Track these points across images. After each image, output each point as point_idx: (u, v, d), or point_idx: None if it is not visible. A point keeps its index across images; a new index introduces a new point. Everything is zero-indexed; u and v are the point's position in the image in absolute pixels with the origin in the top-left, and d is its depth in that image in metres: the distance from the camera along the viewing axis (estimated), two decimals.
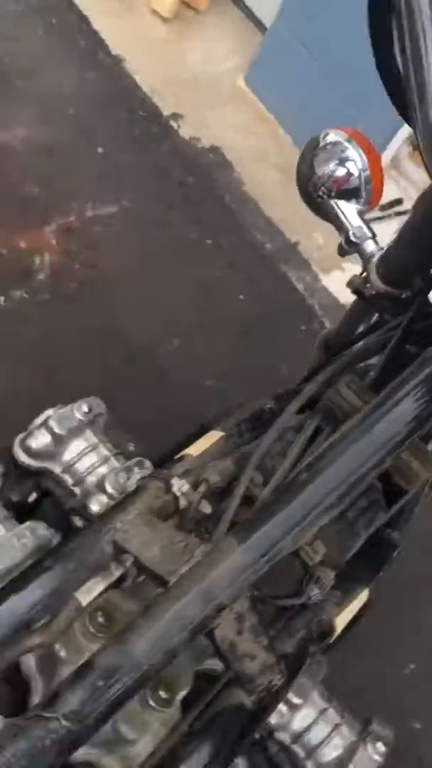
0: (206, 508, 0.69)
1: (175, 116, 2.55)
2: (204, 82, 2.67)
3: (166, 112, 2.55)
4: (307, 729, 0.76)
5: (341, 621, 0.71)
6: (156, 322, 2.04)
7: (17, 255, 2.02)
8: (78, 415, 0.82)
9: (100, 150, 2.36)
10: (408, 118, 0.64)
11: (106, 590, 0.64)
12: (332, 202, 0.88)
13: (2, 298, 1.92)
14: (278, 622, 0.67)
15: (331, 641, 0.70)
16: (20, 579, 0.59)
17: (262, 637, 0.59)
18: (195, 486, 0.68)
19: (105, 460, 0.83)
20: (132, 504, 0.64)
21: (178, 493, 0.67)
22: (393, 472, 0.71)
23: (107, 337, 1.95)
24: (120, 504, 0.65)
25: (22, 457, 0.82)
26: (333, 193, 0.88)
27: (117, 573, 0.64)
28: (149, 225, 2.27)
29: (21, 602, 0.57)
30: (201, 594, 0.55)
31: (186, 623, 0.55)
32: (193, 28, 2.80)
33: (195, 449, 0.74)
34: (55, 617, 0.60)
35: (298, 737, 0.76)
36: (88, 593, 0.62)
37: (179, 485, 0.68)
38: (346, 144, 0.87)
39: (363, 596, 0.75)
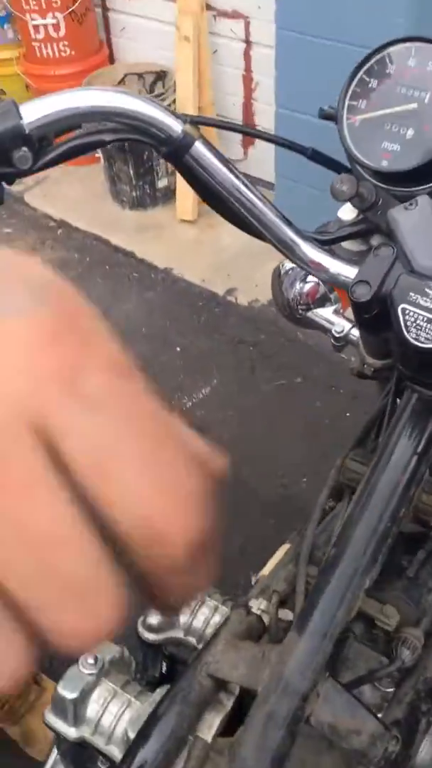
0: (288, 615, 0.75)
1: (230, 291, 2.82)
2: (241, 254, 2.95)
3: (221, 292, 2.82)
4: None
5: None
6: (282, 467, 2.15)
7: None
8: None
9: (178, 349, 2.63)
10: None
11: (226, 723, 0.70)
12: (310, 314, 1.00)
13: None
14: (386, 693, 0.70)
15: None
16: (141, 734, 0.67)
17: (361, 710, 0.63)
18: (270, 600, 0.75)
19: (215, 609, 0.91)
20: (219, 635, 0.72)
21: (258, 612, 0.74)
22: (420, 517, 0.74)
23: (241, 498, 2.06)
24: (211, 639, 0.73)
25: (147, 635, 0.92)
26: (310, 306, 1.00)
27: (229, 703, 0.71)
28: (241, 390, 2.45)
29: (147, 755, 0.65)
30: (282, 690, 0.61)
31: (280, 722, 0.61)
32: (216, 216, 3.14)
33: (268, 567, 0.81)
34: (188, 760, 0.67)
35: None
36: (209, 730, 0.69)
37: (257, 604, 0.75)
38: None
39: None
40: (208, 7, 3.05)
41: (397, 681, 0.71)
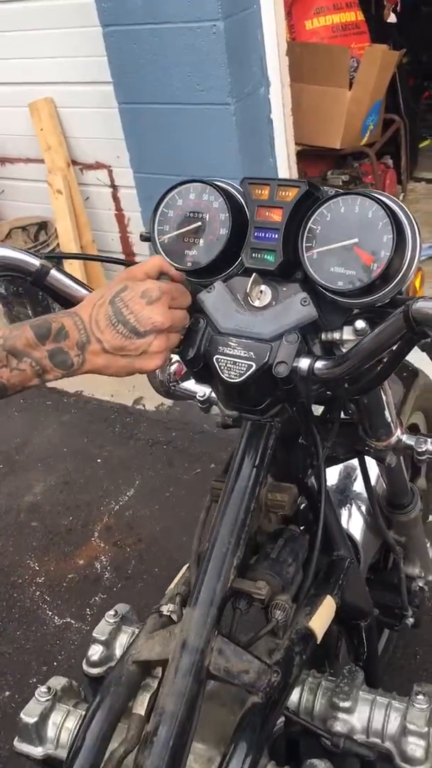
0: None
1: (137, 401, 3.09)
2: None
3: (129, 403, 3.08)
4: (369, 720, 0.96)
5: (318, 625, 0.93)
6: None
7: (82, 570, 2.39)
8: None
9: (99, 460, 2.84)
10: None
11: None
12: (179, 387, 1.26)
13: (87, 610, 2.25)
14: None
15: (318, 641, 0.92)
16: (85, 717, 0.85)
17: (247, 656, 0.84)
18: (175, 602, 0.95)
19: None
20: (139, 636, 0.92)
21: (168, 613, 0.94)
22: (270, 510, 0.98)
23: None
24: (133, 640, 0.93)
25: (90, 669, 1.10)
26: (178, 381, 1.26)
27: (155, 683, 0.89)
28: (163, 484, 2.67)
29: (93, 731, 0.83)
30: (184, 649, 0.82)
31: (186, 673, 0.81)
32: None
33: (174, 582, 1.02)
34: (128, 731, 0.85)
35: (367, 731, 0.96)
36: (142, 706, 0.87)
37: (167, 608, 0.95)
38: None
39: (331, 604, 0.98)
40: (74, 163, 3.48)
41: (278, 634, 0.92)
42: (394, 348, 0.80)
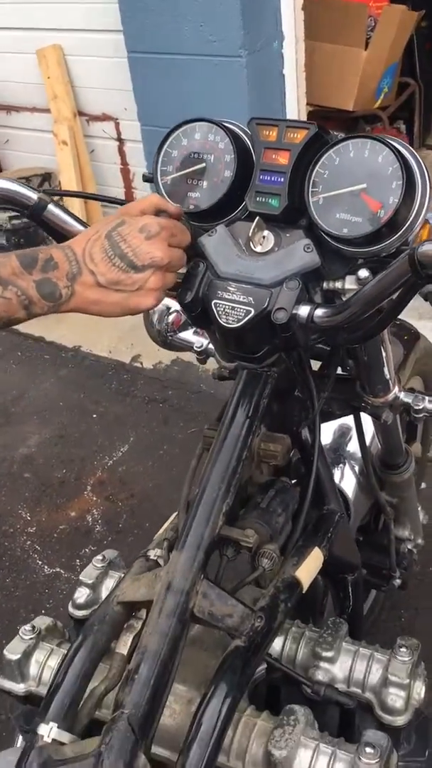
0: None
1: (135, 358, 3.07)
2: (140, 324, 3.20)
3: (127, 360, 3.07)
4: (351, 670, 0.96)
5: (305, 575, 0.93)
6: None
7: (74, 522, 2.40)
8: None
9: (94, 416, 2.84)
10: None
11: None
12: (176, 338, 1.24)
13: (77, 561, 2.26)
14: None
15: (303, 591, 0.92)
16: (67, 655, 0.85)
17: (232, 600, 0.84)
18: (163, 547, 0.95)
19: None
20: (125, 578, 0.92)
21: (155, 558, 0.95)
22: (263, 460, 0.97)
23: None
24: (119, 582, 0.93)
25: (75, 612, 1.10)
26: (176, 332, 1.25)
27: (138, 624, 0.90)
28: (157, 442, 2.67)
29: (75, 668, 0.84)
30: (169, 591, 0.82)
31: (170, 613, 0.81)
32: None
33: (162, 528, 1.02)
34: (110, 669, 0.85)
35: (348, 680, 0.96)
36: (125, 646, 0.88)
37: (154, 553, 0.95)
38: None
39: (319, 556, 0.98)
40: (81, 113, 3.42)
41: (264, 582, 0.92)
42: (396, 296, 0.78)
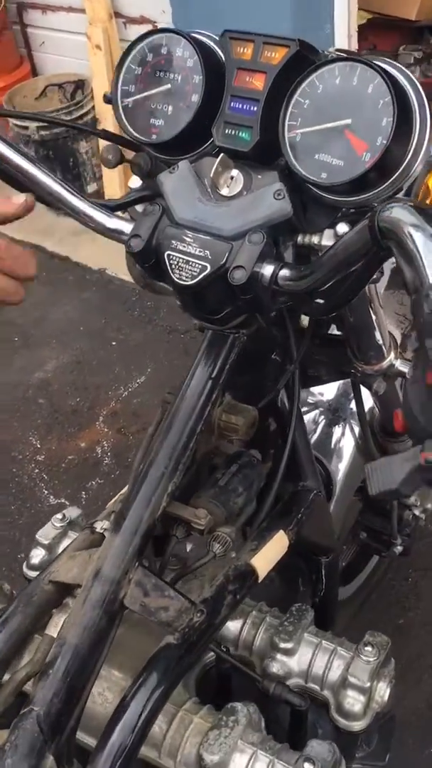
0: None
1: None
2: None
3: None
4: (310, 665, 0.88)
5: (262, 563, 0.84)
6: None
7: (83, 453, 2.35)
8: None
9: (114, 343, 2.75)
10: None
11: None
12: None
13: (83, 493, 2.23)
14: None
15: (258, 581, 0.83)
16: None
17: (169, 591, 0.75)
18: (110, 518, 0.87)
19: None
20: (65, 552, 0.85)
21: (101, 531, 0.86)
22: (223, 434, 0.87)
23: None
24: (58, 556, 0.86)
25: (29, 573, 1.04)
26: None
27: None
28: (175, 374, 2.57)
29: None
30: (97, 579, 0.74)
31: (96, 605, 0.73)
32: None
33: (115, 498, 0.94)
34: (36, 653, 0.79)
35: (306, 675, 0.88)
36: (55, 628, 0.81)
37: (101, 525, 0.87)
38: None
39: (283, 540, 0.88)
40: (117, 15, 3.18)
41: (214, 570, 0.83)
42: (361, 264, 0.64)
